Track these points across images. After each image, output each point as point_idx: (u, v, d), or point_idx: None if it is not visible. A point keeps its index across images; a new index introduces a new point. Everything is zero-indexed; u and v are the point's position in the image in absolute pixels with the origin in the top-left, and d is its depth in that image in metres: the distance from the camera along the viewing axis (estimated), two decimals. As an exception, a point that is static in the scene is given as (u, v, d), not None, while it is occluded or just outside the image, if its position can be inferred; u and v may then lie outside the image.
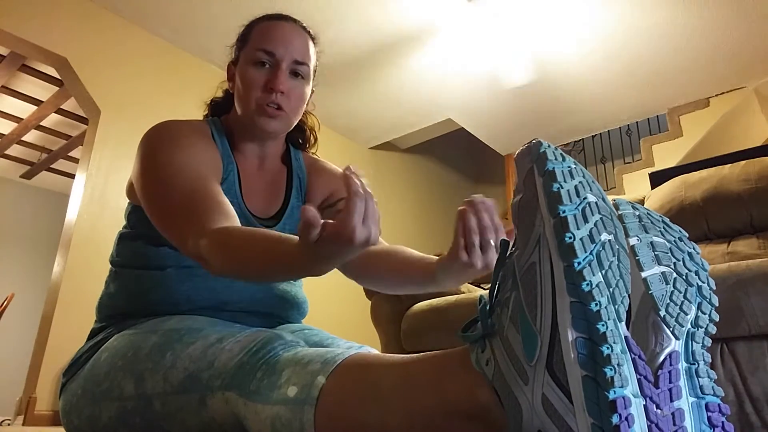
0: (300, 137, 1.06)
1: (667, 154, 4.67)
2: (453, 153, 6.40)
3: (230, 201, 0.85)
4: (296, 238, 0.59)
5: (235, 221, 0.74)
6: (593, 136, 5.63)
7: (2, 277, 6.11)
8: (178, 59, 3.95)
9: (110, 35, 3.59)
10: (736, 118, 4.52)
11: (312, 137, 1.08)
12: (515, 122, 5.11)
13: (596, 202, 0.45)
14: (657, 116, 5.24)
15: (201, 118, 1.02)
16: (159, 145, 0.82)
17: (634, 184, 4.73)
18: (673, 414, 0.43)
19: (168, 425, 0.68)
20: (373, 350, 0.75)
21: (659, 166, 4.48)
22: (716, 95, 4.63)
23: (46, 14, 3.32)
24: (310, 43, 0.94)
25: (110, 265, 0.92)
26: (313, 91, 1.00)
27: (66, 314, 3.04)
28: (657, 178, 2.05)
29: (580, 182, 0.45)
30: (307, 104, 0.98)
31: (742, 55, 4.10)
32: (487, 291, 0.54)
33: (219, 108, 1.03)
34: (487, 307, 0.50)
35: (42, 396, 2.93)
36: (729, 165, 1.75)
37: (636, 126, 5.65)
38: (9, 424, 3.26)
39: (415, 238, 5.45)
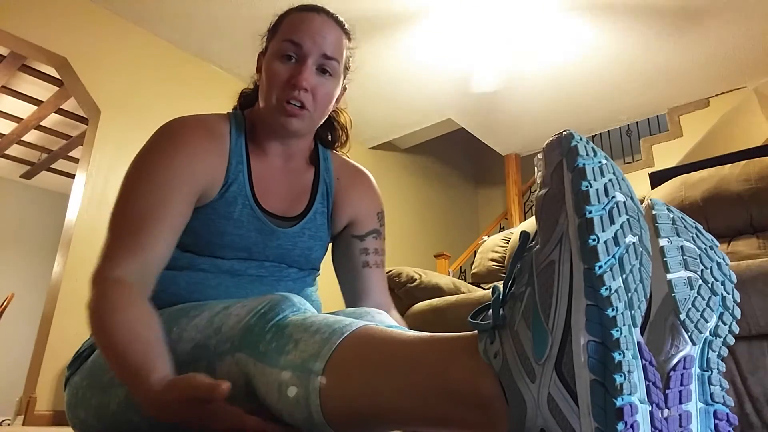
0: (329, 135, 1.00)
1: (667, 154, 4.67)
2: (453, 153, 6.40)
3: (240, 202, 0.85)
4: (160, 370, 0.61)
5: (157, 264, 0.76)
6: (593, 136, 5.63)
7: (2, 277, 6.11)
8: (178, 59, 3.95)
9: (110, 35, 3.59)
10: (736, 118, 4.52)
11: (344, 135, 1.02)
12: (515, 122, 5.11)
13: (624, 202, 0.44)
14: (657, 116, 5.24)
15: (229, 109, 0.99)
16: (151, 151, 0.82)
17: (634, 184, 4.62)
18: (680, 415, 0.43)
19: None
20: (384, 316, 0.76)
21: (659, 166, 4.48)
22: (716, 95, 4.63)
23: (46, 14, 3.31)
24: (343, 39, 0.89)
25: None
26: (345, 88, 0.95)
27: (66, 314, 3.04)
28: (657, 178, 2.05)
29: (610, 180, 0.44)
30: (337, 102, 0.93)
31: (742, 55, 4.10)
32: (488, 290, 0.54)
33: (249, 99, 0.99)
34: (500, 298, 0.49)
35: (42, 396, 2.93)
36: (729, 165, 1.75)
37: (636, 126, 5.65)
38: (9, 424, 3.26)
39: (414, 238, 5.46)
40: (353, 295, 0.96)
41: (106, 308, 0.69)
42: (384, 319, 0.74)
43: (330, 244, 1.00)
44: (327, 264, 1.00)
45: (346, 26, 0.92)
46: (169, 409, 0.58)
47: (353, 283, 0.96)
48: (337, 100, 0.93)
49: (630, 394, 0.39)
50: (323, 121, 0.92)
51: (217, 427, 0.57)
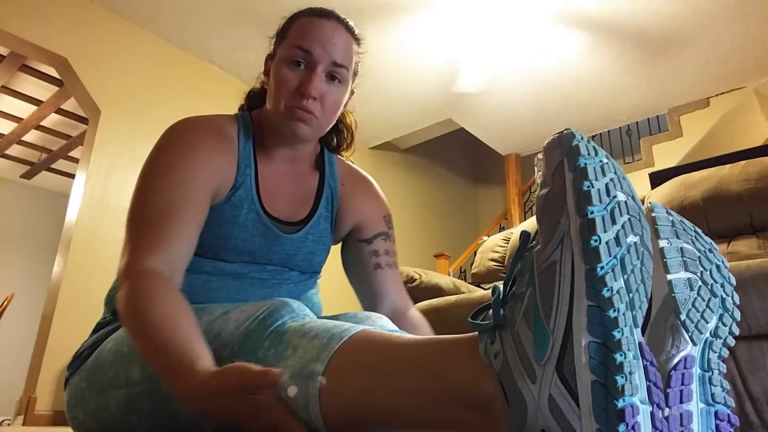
0: (335, 138, 1.00)
1: (667, 154, 4.67)
2: (453, 153, 6.40)
3: (246, 207, 0.84)
4: (205, 359, 0.58)
5: (184, 258, 0.75)
6: (593, 136, 5.63)
7: (2, 277, 6.11)
8: (178, 59, 3.95)
9: (110, 35, 3.59)
10: (736, 118, 4.52)
11: (349, 137, 1.02)
12: (515, 123, 5.11)
13: (626, 201, 0.44)
14: (657, 116, 5.24)
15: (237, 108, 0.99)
16: (165, 149, 0.81)
17: (634, 184, 4.69)
18: (681, 415, 0.43)
19: (176, 405, 0.67)
20: (385, 320, 0.76)
21: (659, 166, 4.48)
22: (716, 95, 4.63)
23: (46, 14, 3.31)
24: (353, 45, 0.89)
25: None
26: (353, 92, 0.94)
27: (66, 314, 3.04)
28: (657, 178, 2.05)
29: (611, 179, 0.43)
30: (345, 106, 0.93)
31: (741, 55, 4.10)
32: (489, 290, 0.54)
33: (256, 100, 0.97)
34: (501, 298, 0.49)
35: (42, 396, 2.93)
36: (729, 165, 1.75)
37: (636, 126, 5.65)
38: (9, 424, 3.26)
39: (414, 238, 5.46)
40: (369, 298, 0.96)
41: (143, 299, 0.66)
42: (384, 324, 0.74)
43: (334, 248, 0.99)
44: (328, 267, 1.00)
45: (356, 31, 0.91)
46: (213, 399, 0.54)
47: (367, 286, 0.96)
48: (345, 105, 0.93)
49: (631, 395, 0.38)
50: (329, 128, 0.91)
51: (263, 423, 0.54)
